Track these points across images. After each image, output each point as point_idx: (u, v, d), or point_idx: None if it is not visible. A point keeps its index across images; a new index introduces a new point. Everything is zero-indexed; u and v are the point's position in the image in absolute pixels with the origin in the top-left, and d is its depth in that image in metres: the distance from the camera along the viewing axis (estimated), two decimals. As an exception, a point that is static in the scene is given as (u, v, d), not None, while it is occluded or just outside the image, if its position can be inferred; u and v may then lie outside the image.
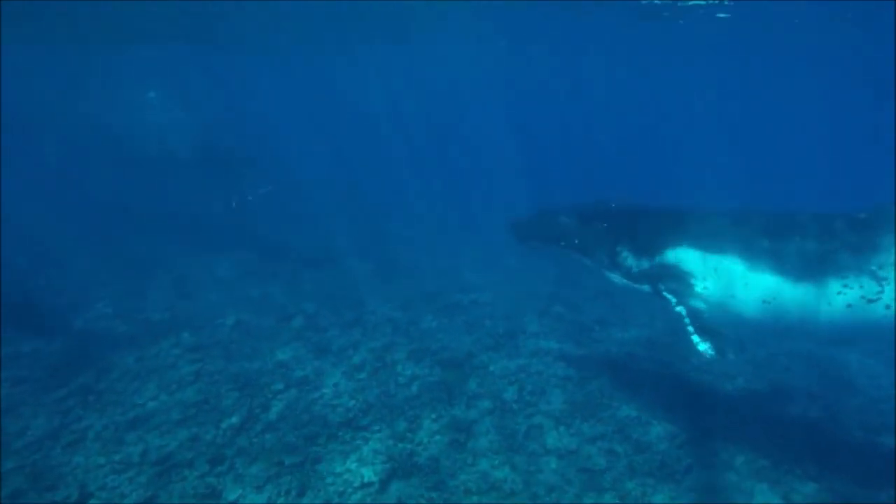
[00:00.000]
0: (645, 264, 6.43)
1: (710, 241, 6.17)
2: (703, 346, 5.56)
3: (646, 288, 6.47)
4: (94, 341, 8.53)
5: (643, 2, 13.83)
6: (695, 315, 5.85)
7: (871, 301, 5.48)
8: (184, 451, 6.06)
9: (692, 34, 17.94)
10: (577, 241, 6.90)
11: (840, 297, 5.57)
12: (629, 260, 6.54)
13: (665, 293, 6.16)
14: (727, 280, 6.02)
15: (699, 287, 6.11)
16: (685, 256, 6.23)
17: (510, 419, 6.90)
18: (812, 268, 5.67)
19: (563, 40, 20.68)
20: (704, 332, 5.66)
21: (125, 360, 7.91)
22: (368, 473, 5.83)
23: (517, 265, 13.11)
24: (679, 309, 5.96)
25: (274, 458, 5.99)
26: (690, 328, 5.74)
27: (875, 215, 5.75)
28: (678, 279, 6.17)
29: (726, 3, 13.52)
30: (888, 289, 5.42)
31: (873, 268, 5.48)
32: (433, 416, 6.87)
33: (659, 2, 13.86)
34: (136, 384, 7.30)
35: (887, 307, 5.44)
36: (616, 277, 6.74)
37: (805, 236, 5.80)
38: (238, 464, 5.92)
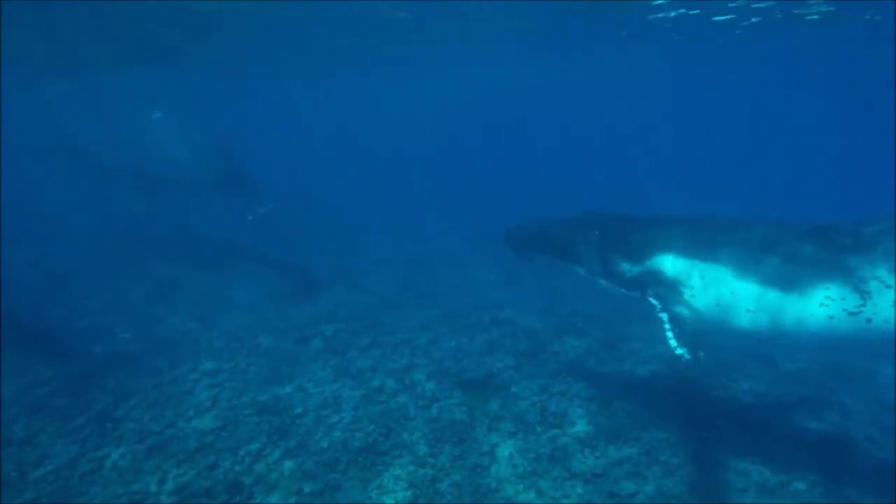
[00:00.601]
0: (636, 271, 6.55)
1: (697, 248, 6.26)
2: (680, 351, 5.83)
3: (637, 294, 6.60)
4: (112, 367, 8.49)
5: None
6: (675, 321, 6.06)
7: (852, 314, 5.54)
8: (201, 480, 5.94)
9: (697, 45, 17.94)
10: (569, 250, 7.05)
11: (822, 308, 5.64)
12: (620, 267, 6.65)
13: (650, 298, 6.36)
14: (713, 288, 6.11)
15: (687, 294, 6.24)
16: (673, 264, 6.33)
17: (534, 442, 6.72)
18: (796, 278, 5.75)
19: (561, 49, 20.77)
20: (682, 338, 5.90)
21: (143, 385, 7.85)
22: (389, 502, 5.68)
23: (535, 282, 12.95)
24: (661, 315, 6.16)
25: (293, 487, 5.86)
26: (669, 333, 5.98)
27: (863, 228, 5.75)
28: (666, 286, 6.32)
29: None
30: (870, 302, 5.48)
31: (856, 280, 5.53)
32: (454, 439, 6.71)
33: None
34: (154, 411, 7.23)
35: (868, 321, 5.49)
36: (609, 285, 6.84)
37: (791, 246, 5.88)
38: (257, 492, 5.79)
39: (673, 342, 5.93)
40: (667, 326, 6.06)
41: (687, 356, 5.82)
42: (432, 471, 6.14)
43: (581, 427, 6.99)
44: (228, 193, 15.79)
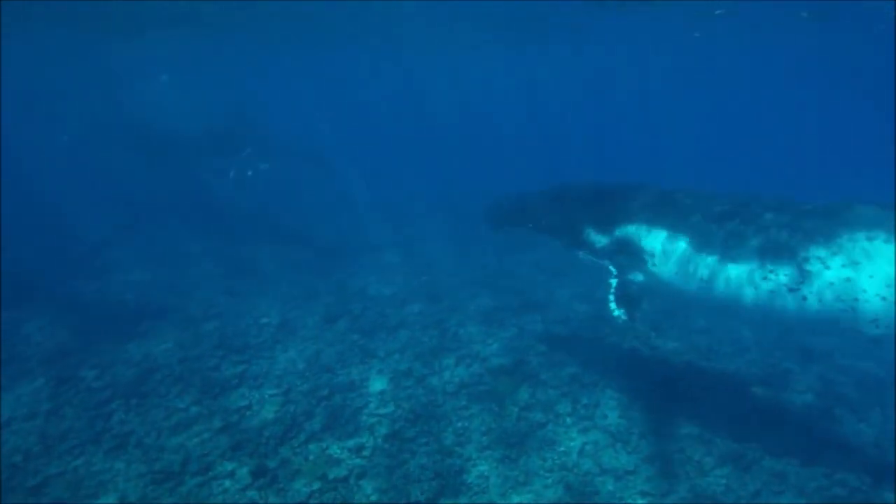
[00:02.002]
0: (604, 241, 6.86)
1: (661, 219, 6.54)
2: (618, 312, 6.29)
3: (607, 263, 6.87)
4: (136, 340, 8.45)
5: None
6: (623, 286, 6.45)
7: (791, 290, 5.73)
8: (225, 462, 5.86)
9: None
10: (544, 222, 7.35)
11: (765, 282, 5.85)
12: (591, 236, 6.95)
13: (611, 266, 6.70)
14: (674, 257, 6.38)
15: (649, 263, 6.51)
16: (638, 233, 6.62)
17: (564, 434, 6.52)
18: (746, 251, 5.97)
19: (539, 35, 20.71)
20: (622, 301, 6.32)
21: (169, 361, 7.79)
22: (415, 492, 5.53)
23: (562, 263, 12.62)
24: (611, 280, 6.53)
25: (318, 472, 5.75)
26: (612, 296, 6.41)
27: (823, 208, 5.89)
28: (632, 255, 6.61)
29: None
30: (807, 281, 5.63)
31: (800, 259, 5.69)
32: (482, 428, 6.53)
33: None
34: (179, 387, 7.16)
35: (804, 298, 5.66)
36: (586, 256, 7.10)
37: (745, 220, 6.11)
38: (281, 476, 5.69)
39: (612, 304, 6.35)
40: (611, 291, 6.45)
41: (623, 317, 6.26)
42: (459, 461, 5.98)
43: (613, 420, 6.77)
44: (222, 151, 15.72)
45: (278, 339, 8.47)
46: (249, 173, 15.27)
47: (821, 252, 5.62)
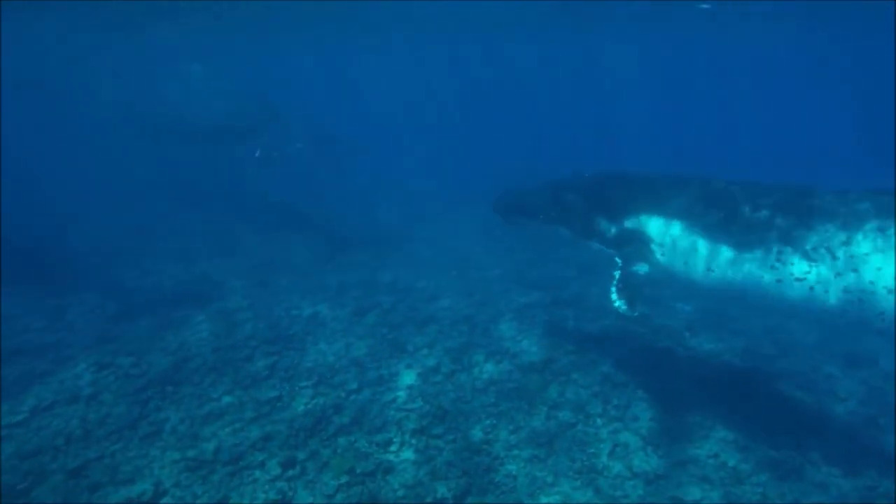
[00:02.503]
0: (614, 230, 6.89)
1: (670, 208, 6.56)
2: (618, 303, 6.33)
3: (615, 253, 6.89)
4: (173, 329, 8.63)
5: None
6: (626, 278, 6.46)
7: (798, 280, 5.70)
8: (256, 452, 5.94)
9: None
10: (554, 213, 7.36)
11: (772, 271, 5.84)
12: (601, 226, 6.99)
13: (616, 257, 6.72)
14: (682, 246, 6.41)
15: (658, 252, 6.56)
16: (647, 222, 6.66)
17: (594, 435, 6.43)
18: (753, 240, 5.98)
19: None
20: (624, 292, 6.36)
21: (203, 350, 7.94)
22: (442, 489, 5.53)
23: (593, 260, 12.45)
24: (615, 273, 6.55)
25: (346, 465, 5.78)
26: (613, 288, 6.44)
27: (830, 197, 5.85)
28: (642, 244, 6.62)
29: None
30: (815, 271, 5.61)
31: (807, 248, 5.68)
32: (511, 427, 6.49)
33: None
34: (213, 376, 7.29)
35: (811, 289, 5.63)
36: (599, 246, 7.12)
37: (754, 208, 6.10)
38: (309, 468, 5.75)
39: (614, 296, 6.38)
40: (614, 282, 6.47)
41: (623, 308, 6.30)
42: (487, 459, 5.95)
43: (644, 422, 6.65)
44: (251, 134, 15.92)
45: (309, 332, 8.55)
46: (275, 154, 15.47)
47: (830, 242, 5.59)
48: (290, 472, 5.69)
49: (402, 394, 7.03)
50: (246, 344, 8.15)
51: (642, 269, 6.53)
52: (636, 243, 6.64)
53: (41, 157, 21.37)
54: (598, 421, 6.66)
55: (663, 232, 6.53)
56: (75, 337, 8.49)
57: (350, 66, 36.46)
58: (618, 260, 6.67)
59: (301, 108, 21.27)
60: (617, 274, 6.53)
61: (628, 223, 6.77)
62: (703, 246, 6.27)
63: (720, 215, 6.21)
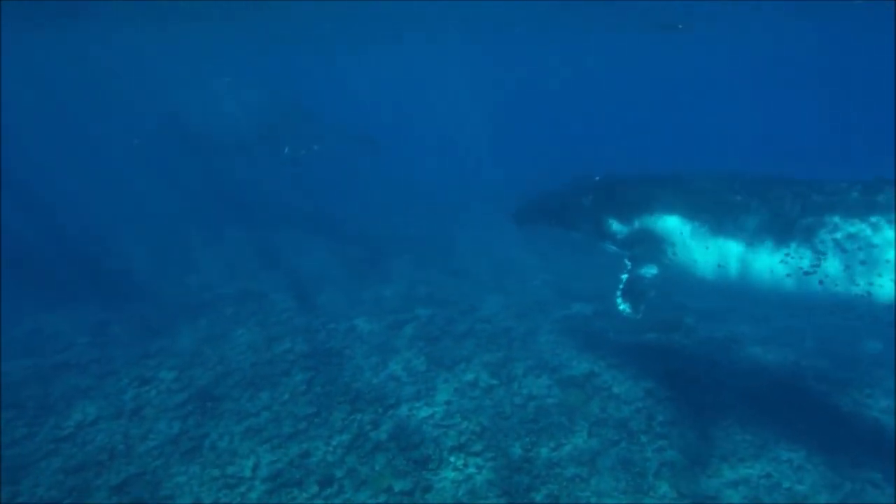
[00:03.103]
0: (626, 231, 6.91)
1: (679, 206, 6.54)
2: (623, 307, 6.37)
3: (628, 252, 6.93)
4: (212, 344, 8.72)
5: None
6: (633, 282, 6.48)
7: (807, 273, 5.69)
8: (294, 469, 5.92)
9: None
10: (567, 217, 7.46)
11: (782, 266, 5.83)
12: (613, 227, 7.02)
13: (626, 260, 6.76)
14: (692, 244, 6.41)
15: (669, 252, 6.56)
16: (657, 221, 6.65)
17: (638, 453, 6.21)
18: (762, 235, 5.96)
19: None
20: (629, 294, 6.39)
21: (242, 364, 7.99)
22: (481, 509, 5.40)
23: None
24: (622, 276, 6.60)
25: (383, 484, 5.71)
26: (620, 290, 6.50)
27: (833, 188, 5.83)
28: (653, 244, 6.64)
29: None
30: (824, 264, 5.60)
31: (815, 241, 5.67)
32: (552, 443, 6.32)
33: None
34: (251, 392, 7.32)
35: (821, 282, 5.64)
36: (608, 246, 7.20)
37: (761, 202, 6.07)
38: (347, 486, 5.68)
39: (619, 299, 6.43)
40: (621, 285, 6.53)
41: (627, 311, 6.32)
42: (528, 478, 5.80)
43: (691, 439, 6.40)
44: (281, 138, 16.08)
45: (346, 346, 8.53)
46: (303, 152, 15.61)
47: (837, 235, 5.57)
48: (328, 491, 5.64)
49: (440, 409, 6.93)
50: (283, 358, 8.17)
51: (650, 271, 6.55)
52: (647, 243, 6.68)
53: (82, 172, 22.05)
54: (643, 438, 6.44)
55: (673, 230, 6.54)
56: (119, 352, 8.64)
57: (393, 67, 36.64)
58: (627, 263, 6.72)
59: (336, 110, 21.50)
60: (624, 277, 6.59)
61: (639, 223, 6.80)
62: (713, 243, 6.27)
63: (728, 211, 6.20)
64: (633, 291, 6.39)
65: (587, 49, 27.56)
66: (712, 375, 7.70)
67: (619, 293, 6.48)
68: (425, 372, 7.75)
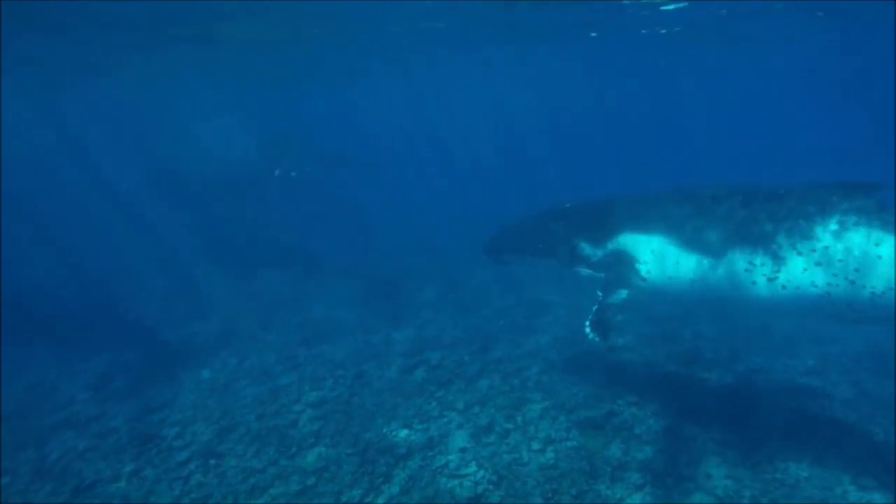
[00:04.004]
0: (599, 253, 7.02)
1: (648, 224, 6.71)
2: (592, 336, 6.40)
3: (603, 276, 7.00)
4: (216, 394, 8.44)
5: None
6: (603, 311, 6.54)
7: (770, 280, 5.89)
8: (302, 530, 5.59)
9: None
10: (540, 245, 7.53)
11: (747, 274, 6.02)
12: (586, 250, 7.12)
13: (598, 290, 6.80)
14: (664, 261, 6.55)
15: (643, 270, 6.67)
16: (628, 241, 6.80)
17: (664, 496, 5.86)
18: (726, 245, 6.14)
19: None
20: (598, 325, 6.44)
21: (247, 417, 7.69)
22: (504, 568, 5.05)
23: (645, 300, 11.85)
24: (595, 307, 6.61)
25: (397, 543, 5.37)
26: (588, 320, 6.52)
27: (794, 193, 6.05)
28: (626, 264, 6.74)
29: None
30: (784, 269, 5.81)
31: (774, 246, 5.87)
32: (573, 491, 5.98)
33: None
34: (256, 446, 7.01)
35: (783, 287, 5.83)
36: (582, 270, 7.28)
37: (724, 213, 6.27)
38: (359, 547, 5.35)
39: (588, 328, 6.44)
40: (591, 315, 6.56)
41: (596, 340, 6.36)
42: (550, 531, 5.45)
43: (719, 480, 6.05)
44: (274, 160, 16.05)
45: (354, 393, 8.23)
46: (293, 174, 15.60)
47: (795, 239, 5.78)
48: (339, 552, 5.31)
49: (454, 458, 6.60)
50: (290, 409, 7.88)
51: (620, 296, 6.62)
52: (620, 265, 6.79)
53: (83, 214, 22.09)
54: (669, 481, 6.10)
55: (644, 249, 6.68)
56: (120, 407, 8.37)
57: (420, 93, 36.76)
58: (598, 293, 6.76)
59: (340, 138, 21.68)
60: (594, 308, 6.60)
61: (611, 245, 6.93)
62: (684, 257, 6.42)
63: (696, 224, 6.37)
64: (602, 320, 6.46)
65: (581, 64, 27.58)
66: (737, 408, 7.36)
67: (587, 323, 6.50)
68: (437, 418, 7.43)
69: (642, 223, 6.76)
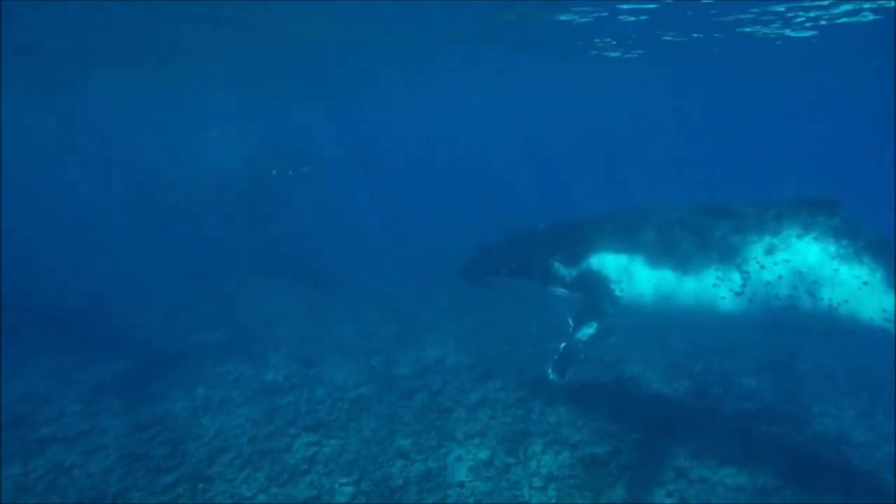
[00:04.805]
0: (574, 272, 7.04)
1: (618, 244, 6.81)
2: (552, 377, 6.29)
3: (579, 296, 7.01)
4: (209, 413, 8.19)
5: None
6: (570, 347, 6.45)
7: (737, 294, 6.06)
8: (290, 565, 5.32)
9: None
10: (515, 267, 7.55)
11: (715, 289, 6.16)
12: (561, 271, 7.14)
13: (568, 318, 6.75)
14: (634, 279, 6.65)
15: (617, 290, 6.72)
16: (600, 261, 6.87)
17: (672, 544, 5.58)
18: (694, 261, 6.28)
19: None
20: (559, 364, 6.34)
21: (239, 440, 7.44)
22: None
23: (653, 330, 11.56)
24: (562, 344, 6.53)
25: (389, 583, 5.09)
26: (552, 363, 6.40)
27: (757, 210, 6.27)
28: (599, 283, 6.79)
29: None
30: (748, 282, 5.99)
31: (739, 261, 6.05)
32: (576, 534, 5.70)
33: None
34: (247, 471, 6.75)
35: (750, 301, 6.02)
36: (559, 291, 7.29)
37: (691, 231, 6.43)
38: (348, 586, 5.08)
39: (550, 370, 6.35)
40: (556, 355, 6.44)
41: (555, 380, 6.27)
42: (551, 577, 5.17)
43: (732, 528, 5.77)
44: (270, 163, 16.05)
45: (352, 417, 7.97)
46: (291, 173, 15.59)
47: (758, 253, 5.97)
48: (327, 591, 5.03)
49: (452, 492, 6.33)
50: (285, 432, 7.62)
51: (588, 332, 6.54)
52: (595, 284, 6.82)
53: (80, 224, 22.08)
54: (677, 527, 5.81)
55: (617, 267, 6.76)
56: (111, 422, 8.14)
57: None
58: (570, 322, 6.69)
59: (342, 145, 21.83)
60: (562, 346, 6.51)
61: (585, 264, 6.97)
62: (655, 275, 6.51)
63: (665, 242, 6.51)
64: (565, 360, 6.37)
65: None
66: (750, 445, 7.09)
67: (551, 364, 6.41)
68: (436, 448, 7.16)
69: (613, 242, 6.85)
